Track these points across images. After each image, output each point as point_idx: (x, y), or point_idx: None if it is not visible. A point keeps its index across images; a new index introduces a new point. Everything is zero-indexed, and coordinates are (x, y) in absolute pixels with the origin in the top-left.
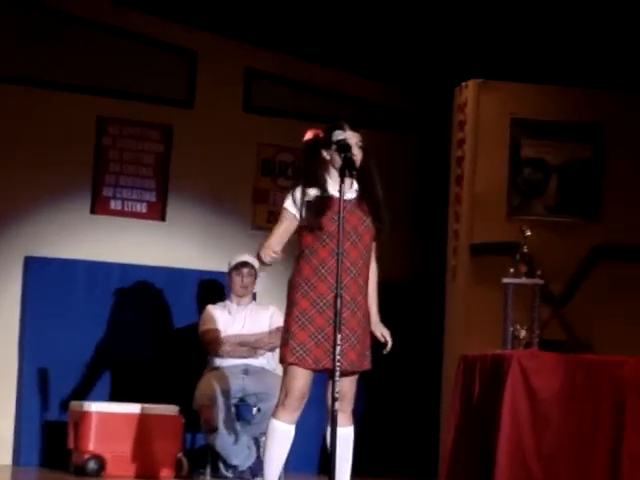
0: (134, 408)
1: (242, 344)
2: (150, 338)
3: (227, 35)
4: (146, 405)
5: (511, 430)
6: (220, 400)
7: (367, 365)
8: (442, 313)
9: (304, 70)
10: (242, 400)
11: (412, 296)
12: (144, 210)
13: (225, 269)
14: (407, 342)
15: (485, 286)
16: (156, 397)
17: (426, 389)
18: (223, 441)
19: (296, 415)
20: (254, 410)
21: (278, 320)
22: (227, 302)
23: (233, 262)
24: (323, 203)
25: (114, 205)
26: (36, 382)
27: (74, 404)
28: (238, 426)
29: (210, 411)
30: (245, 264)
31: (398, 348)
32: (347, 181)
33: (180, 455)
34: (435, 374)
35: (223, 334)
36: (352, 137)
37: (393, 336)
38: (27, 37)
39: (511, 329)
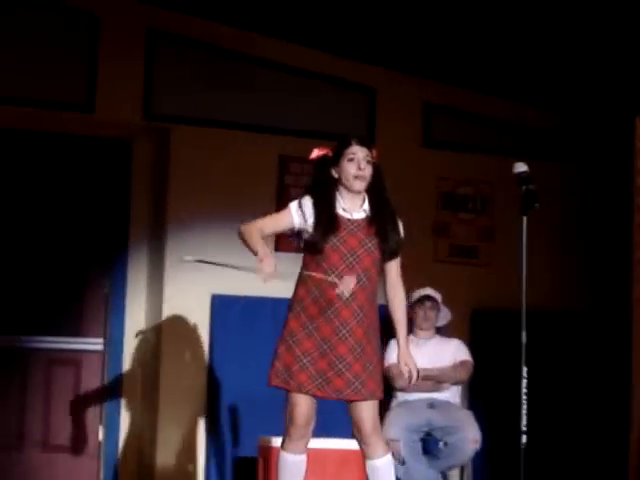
0: (322, 443)
1: (426, 378)
2: None
3: (405, 70)
4: (334, 440)
5: None
6: (407, 434)
7: (365, 394)
8: (625, 341)
9: (482, 103)
10: (428, 434)
11: (587, 324)
12: None
13: (407, 302)
14: (588, 370)
15: None
16: (343, 432)
17: (613, 415)
18: (410, 475)
19: (303, 443)
20: (440, 444)
21: (462, 354)
22: (411, 336)
23: (416, 295)
24: (331, 222)
25: (296, 242)
26: (225, 418)
27: (263, 439)
28: (425, 460)
29: (397, 445)
30: (428, 297)
31: (579, 375)
32: (356, 200)
33: None
34: (621, 406)
35: None
36: (360, 152)
37: (572, 364)
38: (213, 80)
39: None
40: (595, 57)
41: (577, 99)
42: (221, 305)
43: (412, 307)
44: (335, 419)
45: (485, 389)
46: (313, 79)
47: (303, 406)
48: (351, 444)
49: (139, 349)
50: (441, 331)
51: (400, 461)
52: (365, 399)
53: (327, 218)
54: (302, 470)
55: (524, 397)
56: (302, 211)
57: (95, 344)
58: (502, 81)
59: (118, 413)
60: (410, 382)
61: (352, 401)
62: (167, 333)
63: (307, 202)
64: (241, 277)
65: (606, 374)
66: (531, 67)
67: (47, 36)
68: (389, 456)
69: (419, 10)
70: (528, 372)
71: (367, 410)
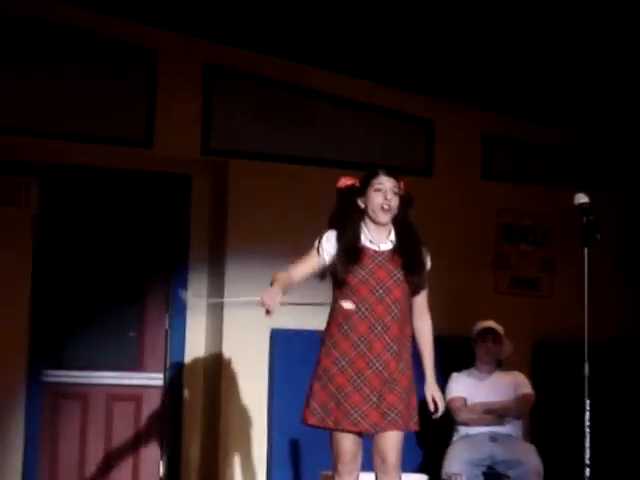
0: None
1: (488, 412)
2: None
3: (462, 102)
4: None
5: None
6: (469, 468)
7: (401, 425)
8: None
9: (541, 133)
10: (491, 468)
11: (632, 356)
12: None
13: (469, 335)
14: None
15: None
16: (405, 466)
17: None
18: None
19: (352, 478)
20: (503, 478)
21: (524, 387)
22: (472, 369)
23: (478, 328)
24: (354, 253)
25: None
26: (286, 453)
27: (324, 475)
28: None
29: (460, 479)
30: (490, 331)
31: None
32: (382, 231)
33: None
34: None
35: (469, 402)
36: (387, 182)
37: (635, 395)
38: (270, 113)
39: None
40: None
41: (636, 129)
42: (280, 339)
43: (474, 340)
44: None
45: (548, 422)
46: (371, 111)
47: (347, 443)
48: (414, 478)
49: (199, 384)
50: (502, 364)
51: None
52: (401, 430)
53: (350, 248)
54: None
55: (587, 430)
56: (326, 247)
57: (155, 379)
58: (561, 112)
59: (179, 449)
60: (437, 414)
61: (384, 431)
62: (227, 368)
63: (331, 236)
64: (301, 311)
65: None
66: (591, 98)
67: (107, 72)
68: None
69: (477, 42)
70: (591, 404)
71: (394, 441)
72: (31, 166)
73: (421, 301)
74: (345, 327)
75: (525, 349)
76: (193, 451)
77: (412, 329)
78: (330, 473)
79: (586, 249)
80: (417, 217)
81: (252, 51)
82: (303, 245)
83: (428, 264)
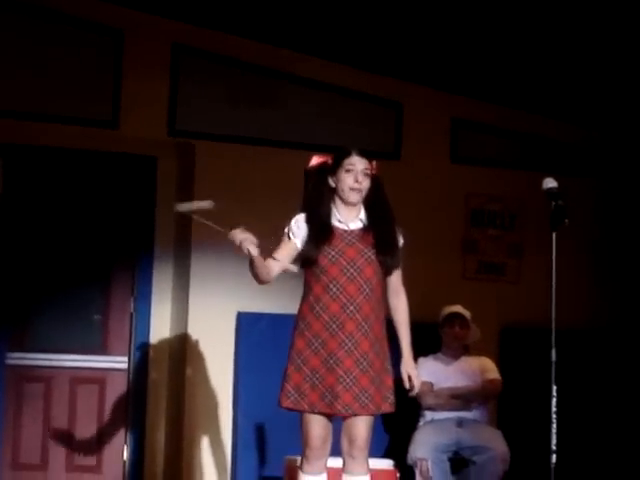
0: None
1: (454, 397)
2: None
3: (432, 85)
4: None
5: None
6: (435, 453)
7: (372, 409)
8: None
9: (510, 118)
10: (457, 453)
11: (617, 342)
12: None
13: (436, 320)
14: (618, 388)
15: None
16: (371, 450)
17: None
18: None
19: (321, 463)
20: (469, 463)
21: (491, 372)
22: (439, 354)
23: (445, 313)
24: (323, 233)
25: None
26: (251, 437)
27: (289, 459)
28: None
29: (425, 464)
30: (457, 315)
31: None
32: (352, 210)
33: None
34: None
35: (436, 387)
36: (359, 163)
37: (601, 381)
38: (237, 95)
39: None
40: (624, 71)
41: (605, 113)
42: (246, 322)
43: (441, 325)
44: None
45: (514, 407)
46: (339, 94)
47: (317, 427)
48: (379, 463)
49: (164, 367)
50: (469, 349)
51: None
52: (373, 414)
53: (320, 228)
54: None
55: (554, 415)
56: (295, 231)
57: (120, 362)
58: (530, 96)
59: (143, 432)
60: (412, 392)
61: (355, 414)
62: (192, 351)
63: (299, 219)
64: (266, 294)
65: (637, 392)
66: (559, 81)
67: (72, 52)
68: (368, 478)
69: (447, 25)
70: (557, 390)
71: (364, 425)
72: None
73: (396, 279)
74: (317, 308)
75: (492, 334)
76: (158, 435)
77: (386, 309)
78: (296, 457)
79: (554, 234)
80: None
81: (220, 32)
82: (270, 228)
83: (400, 242)
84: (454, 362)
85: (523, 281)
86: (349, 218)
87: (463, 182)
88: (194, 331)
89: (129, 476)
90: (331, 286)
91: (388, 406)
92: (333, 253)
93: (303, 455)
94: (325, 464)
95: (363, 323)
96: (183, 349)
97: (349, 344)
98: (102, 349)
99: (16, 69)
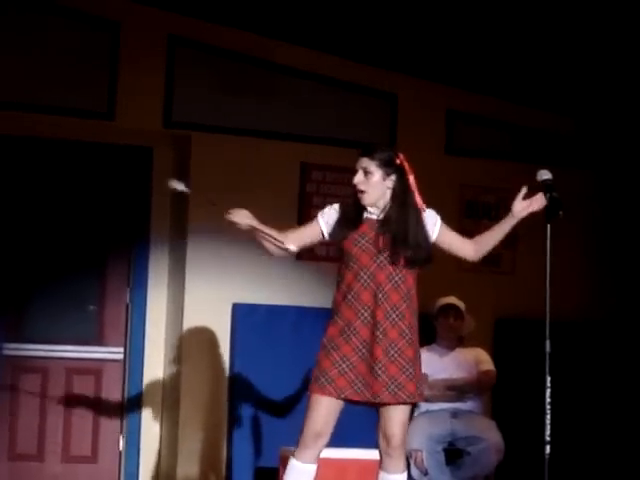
0: (343, 453)
1: (449, 388)
2: None
3: (427, 77)
4: (355, 450)
5: None
6: (430, 444)
7: (403, 397)
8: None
9: (505, 110)
10: (451, 444)
11: (611, 333)
12: None
13: (431, 311)
14: (613, 380)
15: None
16: (365, 441)
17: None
18: None
19: (315, 454)
20: (464, 454)
21: (486, 363)
22: (434, 345)
23: (439, 304)
24: (351, 219)
25: (319, 251)
26: (247, 428)
27: (284, 450)
28: (448, 470)
29: (420, 455)
30: (452, 307)
31: (603, 385)
32: (380, 203)
33: None
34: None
35: (430, 378)
36: (358, 165)
37: (596, 373)
38: (233, 87)
39: None
40: (618, 62)
41: (599, 105)
42: (242, 314)
43: (436, 317)
44: (355, 429)
45: (509, 399)
46: (335, 86)
47: (324, 411)
48: (372, 454)
49: (160, 358)
50: (464, 340)
51: (423, 472)
52: (404, 402)
53: (348, 214)
54: (310, 479)
55: (548, 407)
56: (327, 213)
57: (115, 353)
58: (525, 88)
59: (139, 423)
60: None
61: (386, 405)
62: (188, 342)
63: (335, 205)
64: (262, 286)
65: (631, 383)
66: (554, 73)
67: (68, 44)
68: (405, 475)
69: (442, 17)
70: (552, 381)
71: (399, 416)
72: None
73: (455, 240)
74: (349, 296)
75: (487, 326)
76: (153, 426)
77: (417, 301)
78: (291, 448)
79: (548, 226)
80: None
81: (216, 24)
82: (267, 219)
83: (432, 231)
84: (449, 353)
85: (518, 273)
86: (379, 210)
87: (458, 173)
88: (190, 322)
89: (125, 466)
90: (362, 274)
91: (418, 396)
92: (363, 241)
93: (301, 440)
94: (318, 456)
95: (391, 312)
96: (179, 340)
97: (378, 333)
98: (98, 340)
99: (12, 60)
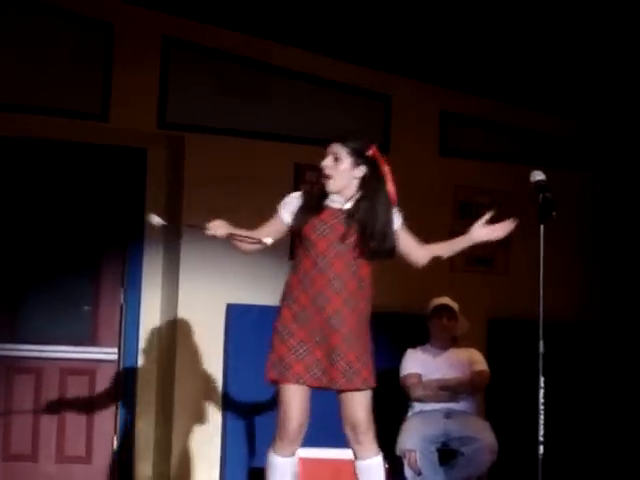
0: (338, 454)
1: (443, 388)
2: None
3: (421, 79)
4: (348, 450)
5: None
6: (423, 445)
7: (359, 383)
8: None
9: (498, 111)
10: (445, 444)
11: (604, 334)
12: None
13: (424, 312)
14: (606, 380)
15: None
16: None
17: (631, 425)
18: None
19: (295, 447)
20: (457, 454)
21: (479, 364)
22: (427, 345)
23: (433, 305)
24: (314, 205)
25: None
26: (241, 427)
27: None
28: (442, 471)
29: (414, 456)
30: (445, 308)
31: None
32: (346, 192)
33: None
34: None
35: (424, 378)
36: (328, 150)
37: (589, 374)
38: (227, 88)
39: None
40: (612, 64)
41: (593, 106)
42: (236, 314)
43: (429, 317)
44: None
45: (502, 399)
46: (329, 87)
47: (298, 400)
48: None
49: (153, 358)
50: (457, 341)
51: (417, 472)
52: (359, 389)
53: (311, 201)
54: (291, 472)
55: (541, 407)
56: (288, 202)
57: (110, 353)
58: (518, 89)
59: (132, 423)
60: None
61: (345, 391)
62: (181, 343)
63: (296, 194)
64: (256, 286)
65: (624, 384)
66: (547, 74)
67: (61, 45)
68: (380, 457)
69: (435, 18)
70: (545, 382)
71: (361, 402)
72: None
73: (408, 241)
74: (305, 282)
75: (480, 326)
76: (147, 426)
77: (371, 293)
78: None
79: (542, 226)
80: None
81: (210, 25)
82: (260, 220)
83: (394, 224)
84: (442, 354)
85: (512, 273)
86: (346, 199)
87: (452, 175)
88: (184, 322)
89: (119, 466)
90: (318, 261)
91: (373, 382)
92: (323, 228)
93: (278, 435)
94: (297, 448)
95: (350, 299)
96: (173, 340)
97: (335, 320)
98: (92, 340)
99: (5, 61)
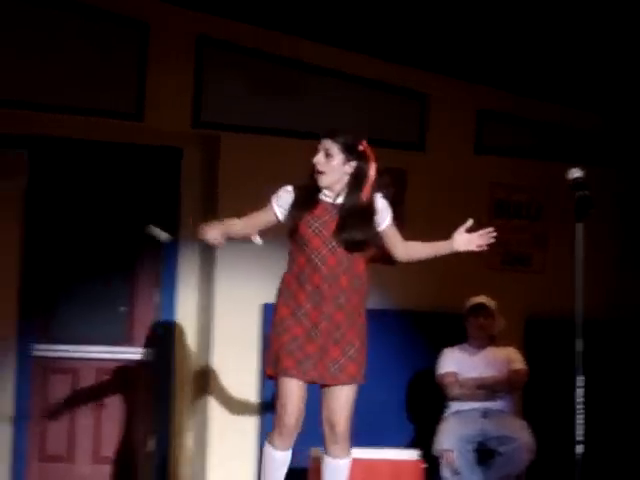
0: (375, 453)
1: (480, 387)
2: (388, 382)
3: (457, 77)
4: (387, 450)
5: None
6: (461, 444)
7: (344, 379)
8: None
9: (535, 109)
10: (482, 444)
11: (632, 332)
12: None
13: (461, 311)
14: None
15: None
16: (396, 441)
17: None
18: None
19: (292, 440)
20: (495, 454)
21: (517, 362)
22: (464, 344)
23: (470, 304)
24: (307, 201)
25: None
26: None
27: (314, 450)
28: (479, 470)
29: (451, 456)
30: (482, 306)
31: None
32: (337, 187)
33: None
34: None
35: (461, 377)
36: (320, 145)
37: (627, 372)
38: (262, 87)
39: None
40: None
41: (634, 104)
42: (271, 313)
43: (466, 316)
44: (387, 428)
45: (540, 398)
46: (364, 85)
47: (296, 393)
48: (405, 454)
49: (189, 359)
50: (495, 340)
51: (454, 472)
52: (344, 384)
53: (304, 196)
54: (285, 465)
55: (580, 406)
56: (281, 197)
57: (145, 354)
58: (556, 86)
59: (168, 423)
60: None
61: (329, 386)
62: (218, 343)
63: (289, 188)
64: None
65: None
66: (586, 72)
67: (97, 44)
68: (350, 458)
69: (473, 16)
70: (583, 380)
71: (341, 400)
72: (21, 139)
73: (395, 238)
74: (301, 278)
75: (518, 325)
76: (183, 426)
77: (367, 289)
78: (320, 448)
79: (579, 224)
80: (409, 191)
81: (245, 23)
82: None
83: (380, 221)
84: (479, 352)
85: (548, 272)
86: (338, 194)
87: (487, 172)
88: (219, 322)
89: (155, 467)
90: (313, 257)
91: (361, 378)
92: (317, 225)
93: (276, 428)
94: (293, 441)
95: (340, 295)
96: (208, 341)
97: (324, 316)
98: (127, 340)
99: (43, 62)
